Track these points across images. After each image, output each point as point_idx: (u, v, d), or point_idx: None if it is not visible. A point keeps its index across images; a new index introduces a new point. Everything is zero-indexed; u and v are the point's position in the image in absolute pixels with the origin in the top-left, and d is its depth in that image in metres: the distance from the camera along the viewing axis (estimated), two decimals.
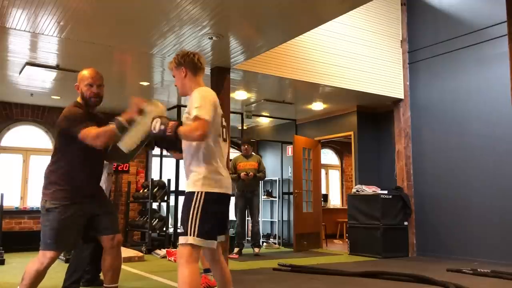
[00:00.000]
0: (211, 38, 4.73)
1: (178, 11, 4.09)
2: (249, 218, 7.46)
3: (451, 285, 4.10)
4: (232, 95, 6.70)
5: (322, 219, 8.57)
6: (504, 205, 6.02)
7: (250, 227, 7.75)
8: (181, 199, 2.65)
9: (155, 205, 8.19)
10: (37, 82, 6.65)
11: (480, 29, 6.47)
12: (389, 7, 7.41)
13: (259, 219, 7.69)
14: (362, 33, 7.02)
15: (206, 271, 4.26)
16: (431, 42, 7.11)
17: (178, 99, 7.61)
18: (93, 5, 4.02)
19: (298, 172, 8.11)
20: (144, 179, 8.91)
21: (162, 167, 8.31)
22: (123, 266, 3.38)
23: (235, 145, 9.77)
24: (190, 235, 2.48)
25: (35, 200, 7.85)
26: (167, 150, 2.95)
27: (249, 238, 7.80)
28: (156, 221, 7.57)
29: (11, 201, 7.64)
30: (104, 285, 3.10)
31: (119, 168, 8.64)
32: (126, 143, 2.72)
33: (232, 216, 7.25)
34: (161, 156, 8.33)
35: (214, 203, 2.56)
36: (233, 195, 2.81)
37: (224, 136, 2.76)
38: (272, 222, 9.40)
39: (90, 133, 2.82)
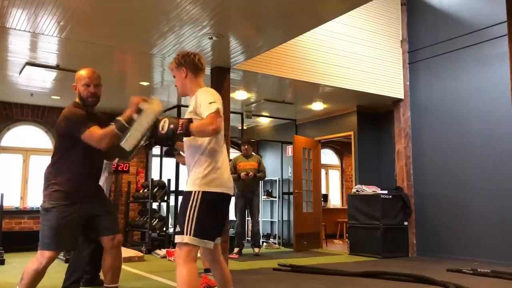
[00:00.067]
0: (211, 38, 4.73)
1: (178, 11, 4.09)
2: (249, 218, 7.46)
3: (451, 285, 4.10)
4: (232, 95, 6.70)
5: (322, 219, 8.57)
6: (504, 205, 6.02)
7: (250, 227, 7.75)
8: (182, 198, 2.65)
9: (155, 205, 8.20)
10: (37, 82, 6.65)
11: (480, 29, 6.47)
12: (389, 7, 7.42)
13: (259, 219, 7.69)
14: (362, 33, 7.02)
15: (206, 271, 4.26)
16: (431, 42, 7.11)
17: (178, 99, 7.61)
18: (93, 5, 4.02)
19: (298, 172, 8.11)
20: (144, 179, 8.91)
21: (162, 167, 8.31)
22: (123, 266, 3.37)
23: (235, 145, 9.77)
24: (186, 234, 2.48)
25: (35, 200, 7.84)
26: (169, 155, 2.93)
27: (249, 238, 7.80)
28: (156, 221, 7.57)
29: (11, 201, 7.64)
30: (105, 285, 3.10)
31: (119, 168, 8.64)
32: (128, 143, 2.73)
33: (232, 216, 7.25)
34: (161, 156, 8.33)
35: (212, 203, 2.55)
36: (233, 195, 2.80)
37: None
38: (272, 222, 9.40)
39: (94, 135, 2.82)
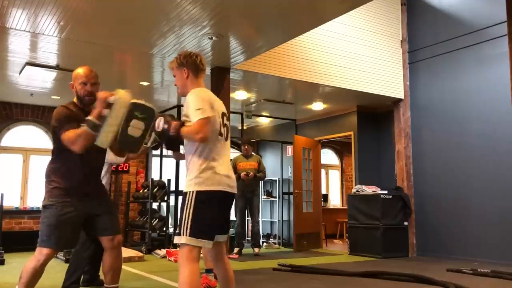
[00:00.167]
0: (211, 38, 4.74)
1: (178, 11, 4.10)
2: (249, 218, 7.45)
3: (451, 285, 4.10)
4: (232, 95, 6.70)
5: (322, 219, 8.57)
6: (504, 205, 6.02)
7: (250, 227, 7.75)
8: (181, 199, 2.66)
9: (155, 205, 8.19)
10: (37, 82, 6.66)
11: (480, 29, 6.47)
12: (389, 7, 7.42)
13: (259, 219, 7.69)
14: (362, 33, 7.03)
15: (208, 271, 4.26)
16: (431, 42, 7.11)
17: (178, 99, 7.61)
18: (93, 5, 4.02)
19: (298, 172, 8.11)
20: (144, 179, 8.91)
21: (162, 167, 8.31)
22: (123, 266, 3.37)
23: (235, 145, 9.77)
24: (183, 234, 2.49)
25: (35, 200, 7.83)
26: (168, 148, 2.92)
27: (249, 238, 7.80)
28: (156, 221, 7.57)
29: (11, 201, 7.63)
30: (105, 285, 3.09)
31: (119, 168, 8.64)
32: (102, 140, 2.71)
33: (232, 216, 7.24)
34: (161, 156, 8.33)
35: (207, 202, 2.54)
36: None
37: (226, 135, 2.75)
38: (272, 222, 9.40)
39: (69, 138, 2.79)
